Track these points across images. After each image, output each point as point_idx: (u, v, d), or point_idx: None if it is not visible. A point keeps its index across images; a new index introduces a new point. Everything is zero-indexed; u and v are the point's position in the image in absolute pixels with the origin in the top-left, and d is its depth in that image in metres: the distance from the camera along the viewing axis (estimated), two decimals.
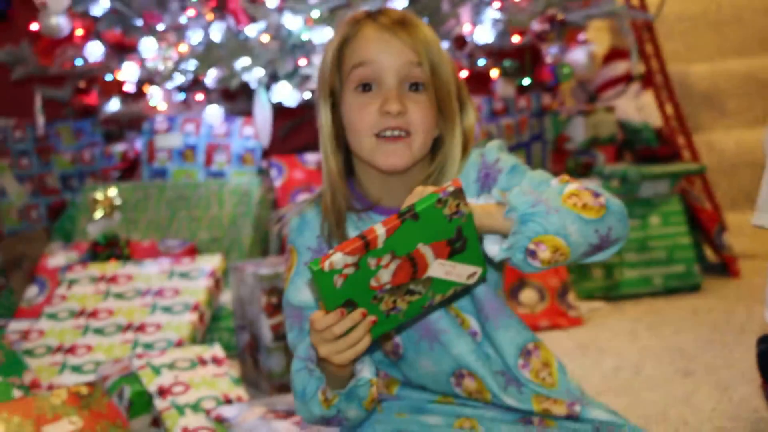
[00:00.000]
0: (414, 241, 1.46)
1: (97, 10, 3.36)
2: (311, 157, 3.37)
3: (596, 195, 1.54)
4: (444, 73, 1.66)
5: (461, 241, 1.48)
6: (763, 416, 2.17)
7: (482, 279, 1.55)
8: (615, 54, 4.21)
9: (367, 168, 1.69)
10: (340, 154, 1.70)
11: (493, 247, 1.53)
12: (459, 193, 1.44)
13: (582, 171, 3.54)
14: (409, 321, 1.60)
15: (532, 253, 1.49)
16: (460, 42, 3.30)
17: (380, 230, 1.42)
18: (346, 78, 1.66)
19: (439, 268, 1.50)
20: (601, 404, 1.74)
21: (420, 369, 1.73)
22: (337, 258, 1.42)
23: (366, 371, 1.58)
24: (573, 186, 1.55)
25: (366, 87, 1.64)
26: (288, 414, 2.24)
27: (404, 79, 1.64)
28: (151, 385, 2.33)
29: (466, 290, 1.61)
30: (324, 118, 1.69)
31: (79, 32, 3.50)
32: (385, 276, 1.47)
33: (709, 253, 3.63)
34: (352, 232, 1.68)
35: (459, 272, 1.51)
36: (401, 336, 1.72)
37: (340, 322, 1.46)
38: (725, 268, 3.54)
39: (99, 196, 3.23)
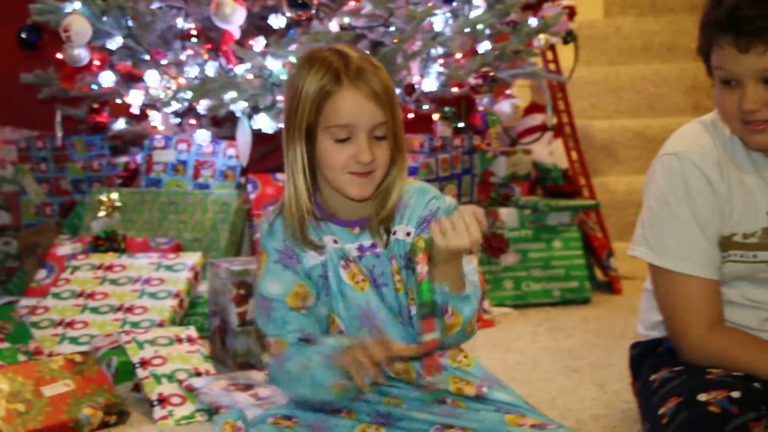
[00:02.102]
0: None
1: (112, 44, 3.32)
2: (282, 176, 3.35)
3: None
4: (399, 122, 1.68)
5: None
6: (631, 407, 2.18)
7: None
8: (534, 107, 4.22)
9: (331, 189, 1.68)
10: (308, 174, 1.68)
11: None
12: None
13: (502, 200, 3.54)
14: None
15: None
16: (409, 89, 3.31)
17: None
18: (325, 127, 1.64)
19: None
20: (507, 387, 1.76)
21: None
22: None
23: None
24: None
25: (343, 140, 1.63)
26: (247, 387, 2.22)
27: (373, 133, 1.64)
28: (135, 357, 2.31)
29: None
30: (299, 148, 1.66)
31: (96, 62, 3.47)
32: None
33: (599, 273, 3.65)
34: (312, 236, 1.69)
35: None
36: (344, 322, 1.72)
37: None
38: (611, 286, 3.55)
39: (103, 198, 3.18)
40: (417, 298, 1.57)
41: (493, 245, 3.33)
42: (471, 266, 1.63)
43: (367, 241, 1.72)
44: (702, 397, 1.70)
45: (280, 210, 1.73)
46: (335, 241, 1.71)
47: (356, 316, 1.71)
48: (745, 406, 1.66)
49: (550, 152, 4.00)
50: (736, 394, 1.68)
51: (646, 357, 2.03)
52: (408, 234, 1.71)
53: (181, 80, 3.26)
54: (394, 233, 1.72)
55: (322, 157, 1.65)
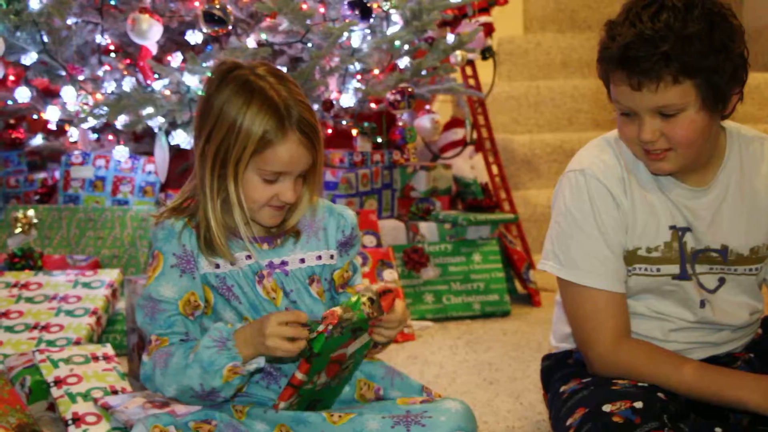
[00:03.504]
0: (327, 357, 1.64)
1: (27, 60, 3.28)
2: None
3: None
4: (322, 156, 1.74)
5: (359, 330, 1.66)
6: (544, 418, 2.22)
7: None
8: (454, 122, 4.27)
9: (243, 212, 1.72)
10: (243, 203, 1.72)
11: None
12: (337, 325, 1.59)
13: (422, 215, 3.58)
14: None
15: None
16: (327, 105, 3.33)
17: (299, 375, 1.62)
18: (258, 167, 1.67)
19: (352, 347, 1.68)
20: (406, 379, 1.88)
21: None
22: (283, 405, 1.66)
23: (262, 362, 1.67)
24: None
25: (271, 180, 1.69)
26: (163, 404, 2.20)
27: (299, 173, 1.71)
28: (50, 376, 2.28)
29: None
30: (232, 179, 1.68)
31: (11, 78, 3.43)
32: (323, 378, 1.67)
33: (518, 286, 3.68)
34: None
35: (361, 340, 1.70)
36: None
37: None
38: (530, 298, 3.59)
39: (19, 215, 3.15)
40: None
41: (413, 259, 3.36)
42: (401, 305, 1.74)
43: (276, 258, 1.76)
44: (607, 407, 1.74)
45: (183, 215, 1.75)
46: (248, 257, 1.74)
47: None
48: (647, 415, 1.71)
49: (471, 166, 4.04)
50: (638, 405, 1.73)
51: (556, 369, 2.08)
52: (332, 257, 1.81)
53: (99, 96, 3.24)
54: (319, 258, 1.80)
55: (246, 189, 1.69)
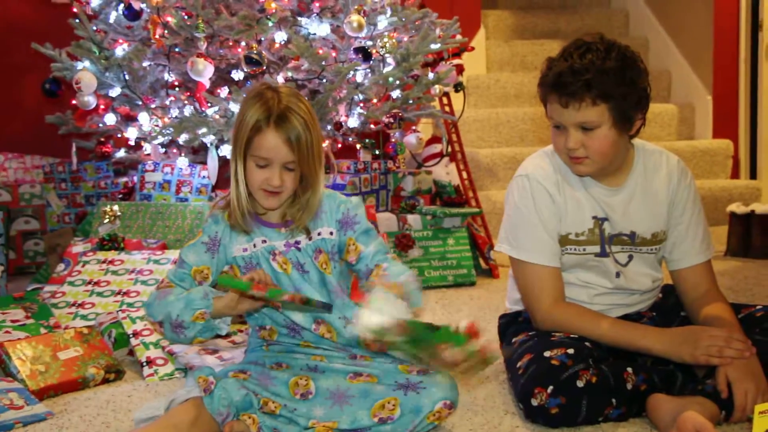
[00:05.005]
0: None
1: (113, 93, 3.29)
2: None
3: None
4: (308, 157, 1.69)
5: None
6: (500, 362, 2.17)
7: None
8: (434, 139, 4.27)
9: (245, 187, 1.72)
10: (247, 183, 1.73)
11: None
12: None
13: (409, 209, 3.57)
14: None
15: None
16: (338, 126, 3.32)
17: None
18: (251, 154, 1.68)
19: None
20: None
21: (294, 316, 1.78)
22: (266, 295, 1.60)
23: (224, 329, 1.69)
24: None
25: (262, 166, 1.68)
26: (214, 351, 2.22)
27: (283, 165, 1.68)
28: (129, 329, 2.30)
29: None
30: (239, 163, 1.70)
31: (102, 107, 3.44)
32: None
33: (482, 263, 3.67)
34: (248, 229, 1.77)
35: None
36: None
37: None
38: (491, 272, 3.59)
39: (107, 209, 3.15)
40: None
41: (402, 242, 3.37)
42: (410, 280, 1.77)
43: (291, 239, 1.77)
44: (547, 353, 1.76)
45: (224, 206, 1.77)
46: (264, 241, 1.75)
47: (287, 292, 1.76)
48: (577, 359, 1.72)
49: (446, 173, 4.04)
50: (571, 351, 1.74)
51: (509, 325, 2.09)
52: (331, 233, 1.79)
53: (166, 120, 3.24)
54: (319, 234, 1.79)
55: (246, 173, 1.70)
